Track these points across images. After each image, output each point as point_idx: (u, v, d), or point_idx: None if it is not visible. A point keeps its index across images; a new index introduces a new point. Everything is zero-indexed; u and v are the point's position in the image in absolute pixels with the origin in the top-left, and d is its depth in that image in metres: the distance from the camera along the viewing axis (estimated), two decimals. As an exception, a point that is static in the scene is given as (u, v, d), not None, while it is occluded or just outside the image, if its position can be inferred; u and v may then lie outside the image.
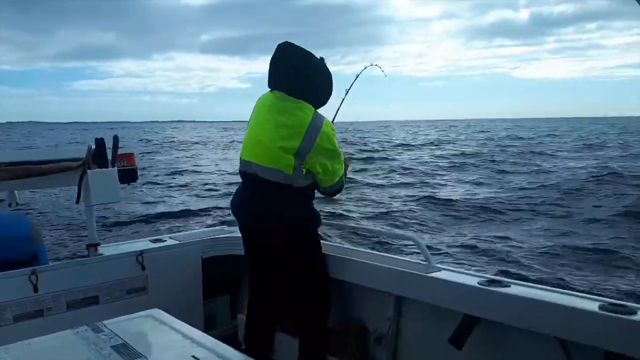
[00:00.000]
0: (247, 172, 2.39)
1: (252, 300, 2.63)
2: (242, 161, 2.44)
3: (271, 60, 2.38)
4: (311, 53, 2.35)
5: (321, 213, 2.49)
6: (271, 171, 2.29)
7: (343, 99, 2.81)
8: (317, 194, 2.50)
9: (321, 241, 2.55)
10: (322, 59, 2.40)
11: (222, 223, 3.56)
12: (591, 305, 1.72)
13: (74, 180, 2.57)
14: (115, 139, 2.71)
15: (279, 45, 2.36)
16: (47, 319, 2.41)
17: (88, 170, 2.56)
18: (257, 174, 2.33)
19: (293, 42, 2.36)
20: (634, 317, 1.61)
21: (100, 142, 2.67)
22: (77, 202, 2.60)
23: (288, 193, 2.30)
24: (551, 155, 24.78)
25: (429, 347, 2.34)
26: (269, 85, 2.43)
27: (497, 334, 2.06)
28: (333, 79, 2.44)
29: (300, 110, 2.28)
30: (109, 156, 2.67)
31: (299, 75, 2.31)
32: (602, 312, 1.66)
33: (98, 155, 2.62)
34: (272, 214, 2.32)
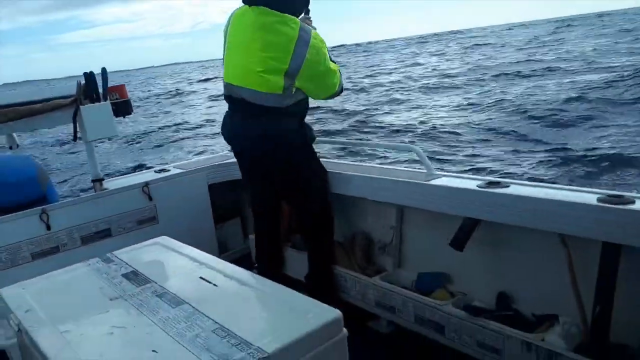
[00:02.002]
0: (234, 97, 2.32)
1: (258, 222, 2.69)
2: (227, 85, 2.35)
3: None
4: None
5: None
6: (261, 95, 2.21)
7: None
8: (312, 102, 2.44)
9: (321, 159, 2.56)
10: None
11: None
12: (589, 198, 1.73)
13: (68, 118, 2.56)
14: (104, 71, 2.65)
15: None
16: (64, 254, 2.51)
17: (81, 106, 2.54)
18: (245, 98, 2.26)
19: None
20: (631, 207, 1.62)
21: (89, 77, 2.62)
22: (75, 139, 2.60)
23: (279, 114, 2.25)
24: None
25: (432, 252, 2.40)
26: (244, 1, 2.29)
27: (497, 234, 2.10)
28: None
29: (285, 25, 2.16)
30: (101, 90, 2.63)
31: None
32: (599, 203, 1.67)
33: (89, 90, 2.58)
34: (265, 137, 2.28)
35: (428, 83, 18.46)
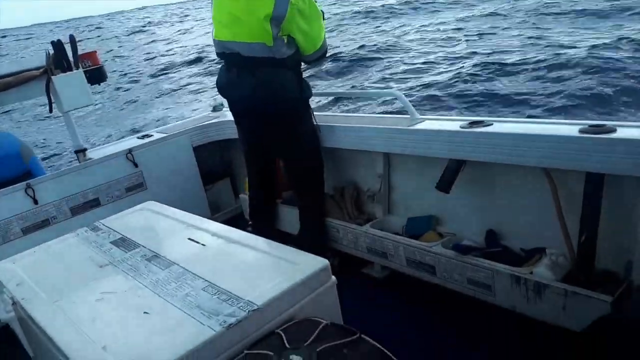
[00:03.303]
0: (227, 53, 2.28)
1: (251, 179, 2.69)
2: (217, 42, 2.31)
3: None
4: None
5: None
6: (252, 46, 2.17)
7: None
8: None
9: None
10: None
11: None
12: (571, 129, 1.73)
13: (41, 90, 2.49)
14: (72, 38, 2.56)
15: None
16: (55, 226, 2.50)
17: (52, 77, 2.47)
18: (239, 52, 2.22)
19: None
20: (613, 135, 1.62)
21: (58, 45, 2.54)
22: (50, 111, 2.55)
23: (274, 65, 2.20)
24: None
25: (420, 196, 2.42)
26: None
27: (482, 173, 2.11)
28: None
29: None
30: (71, 58, 2.55)
31: None
32: (582, 134, 1.67)
33: (58, 59, 2.51)
34: (262, 91, 2.24)
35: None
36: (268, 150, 2.54)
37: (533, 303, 1.83)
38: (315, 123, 2.51)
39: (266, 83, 2.24)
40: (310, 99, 2.44)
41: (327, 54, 2.46)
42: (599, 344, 1.62)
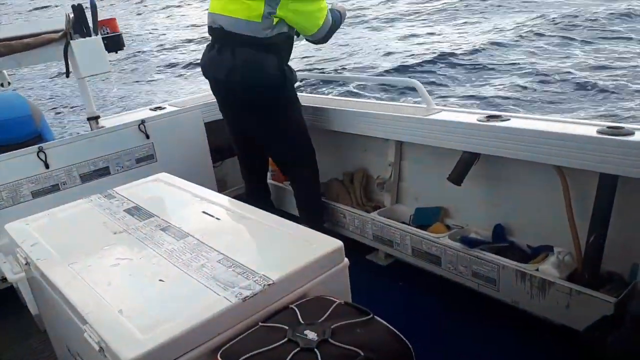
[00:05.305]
0: (213, 27, 2.23)
1: (241, 160, 2.68)
2: (210, 15, 2.27)
3: None
4: None
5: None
6: (237, 22, 2.12)
7: None
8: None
9: (318, 95, 2.52)
10: None
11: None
12: (589, 130, 1.73)
13: (59, 54, 2.48)
14: (93, 4, 2.55)
15: None
16: (64, 192, 2.51)
17: (71, 41, 2.46)
18: (223, 26, 2.17)
19: None
20: (631, 138, 1.62)
21: (78, 9, 2.52)
22: (67, 75, 2.54)
23: (256, 45, 2.14)
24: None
25: (430, 187, 2.43)
26: None
27: (495, 168, 2.11)
28: None
29: None
30: (90, 24, 2.54)
31: None
32: (599, 135, 1.67)
33: (78, 24, 2.49)
34: (241, 70, 2.18)
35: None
36: (253, 139, 2.48)
37: (537, 300, 1.84)
38: (301, 117, 2.42)
39: (244, 63, 2.17)
40: (295, 85, 2.35)
41: (335, 29, 2.36)
42: (598, 344, 1.64)
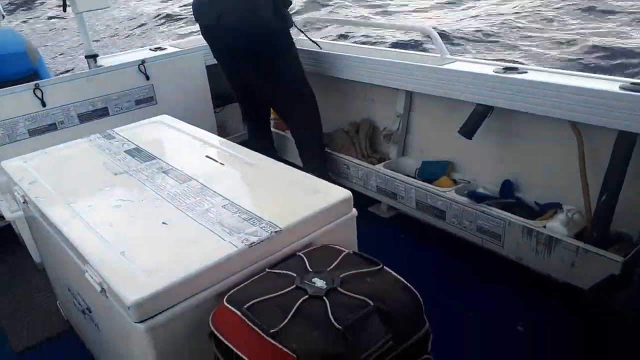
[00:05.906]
0: None
1: (241, 107, 2.61)
2: None
3: None
4: None
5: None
6: None
7: None
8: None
9: (326, 40, 2.40)
10: None
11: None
12: (611, 85, 1.66)
13: None
14: None
15: None
16: (62, 132, 2.45)
17: (68, -27, 2.33)
18: None
19: None
20: None
21: None
22: (64, 9, 2.42)
23: None
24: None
25: (438, 140, 2.37)
26: None
27: (507, 122, 2.05)
28: None
29: None
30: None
31: None
32: (622, 91, 1.60)
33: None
34: (233, 13, 2.07)
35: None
36: (251, 87, 2.39)
37: (542, 257, 1.82)
38: (299, 62, 2.32)
39: (235, 4, 2.05)
40: (291, 29, 2.24)
41: None
42: (604, 302, 1.63)
